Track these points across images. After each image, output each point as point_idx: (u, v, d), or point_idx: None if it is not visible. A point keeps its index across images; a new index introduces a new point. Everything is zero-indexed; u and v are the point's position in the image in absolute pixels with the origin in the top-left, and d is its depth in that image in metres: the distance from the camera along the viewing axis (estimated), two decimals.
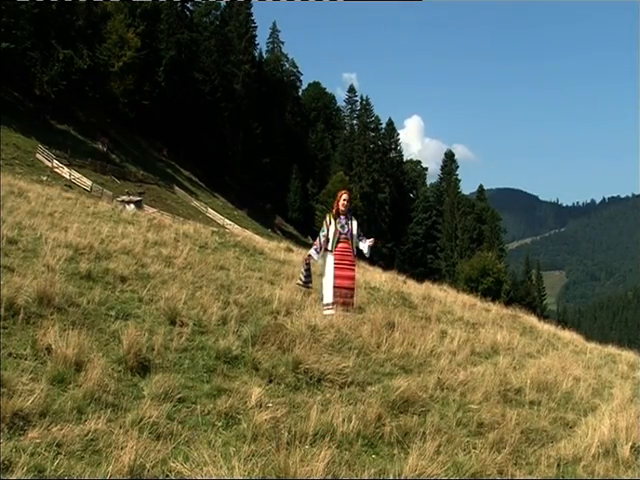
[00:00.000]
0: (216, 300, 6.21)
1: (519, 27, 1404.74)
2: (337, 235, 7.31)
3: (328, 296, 7.15)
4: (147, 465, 2.98)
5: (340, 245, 7.32)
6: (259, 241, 17.81)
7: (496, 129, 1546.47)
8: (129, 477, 2.91)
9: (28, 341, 4.22)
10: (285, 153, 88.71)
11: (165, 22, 74.77)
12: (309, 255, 7.45)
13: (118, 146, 62.52)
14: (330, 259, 7.26)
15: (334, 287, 7.14)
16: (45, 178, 40.60)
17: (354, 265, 7.50)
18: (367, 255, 7.74)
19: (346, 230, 7.38)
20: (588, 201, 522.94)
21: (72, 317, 4.81)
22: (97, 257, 7.47)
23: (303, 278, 7.53)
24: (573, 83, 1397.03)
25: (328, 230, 7.35)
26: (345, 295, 7.14)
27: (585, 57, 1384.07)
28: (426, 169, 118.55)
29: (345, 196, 7.55)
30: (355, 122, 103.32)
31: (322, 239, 7.34)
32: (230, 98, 79.96)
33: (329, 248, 7.28)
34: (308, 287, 7.55)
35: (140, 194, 49.87)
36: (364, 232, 7.85)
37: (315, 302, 7.28)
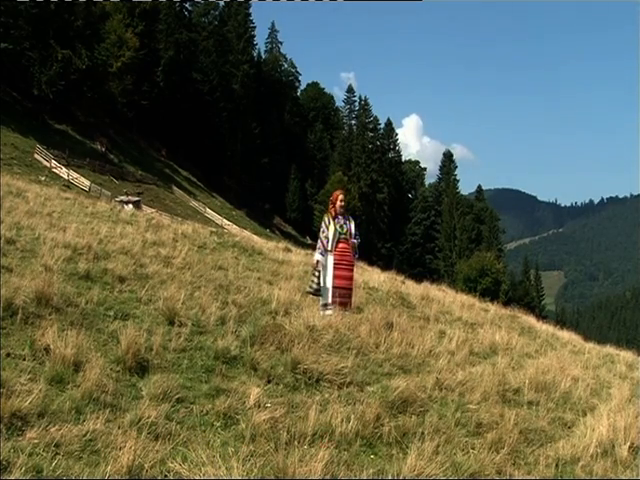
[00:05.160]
0: (215, 300, 6.21)
1: (519, 31, 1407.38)
2: (336, 235, 7.31)
3: (327, 296, 7.14)
4: (145, 465, 2.98)
5: (339, 245, 7.32)
6: (258, 241, 17.81)
7: (495, 129, 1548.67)
8: (127, 477, 2.91)
9: (26, 341, 4.21)
10: (284, 153, 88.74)
11: (164, 22, 74.74)
12: (317, 261, 7.32)
13: (116, 146, 62.46)
14: (330, 259, 7.25)
15: (333, 287, 7.13)
16: (43, 178, 40.54)
17: (353, 265, 7.51)
18: (356, 254, 7.63)
19: (345, 230, 7.39)
20: (586, 201, 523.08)
21: (70, 317, 4.80)
22: (95, 257, 7.46)
23: (315, 285, 7.23)
24: (573, 84, 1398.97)
25: (328, 230, 7.34)
26: (343, 295, 7.14)
27: (585, 58, 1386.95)
28: (425, 169, 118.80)
29: (342, 197, 7.56)
30: (354, 122, 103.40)
31: (324, 240, 7.33)
32: (229, 98, 79.95)
33: (329, 248, 7.28)
34: (318, 295, 7.29)
35: (139, 194, 49.84)
36: (362, 232, 7.85)
37: (314, 302, 7.28)
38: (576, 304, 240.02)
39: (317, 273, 7.29)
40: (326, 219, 7.47)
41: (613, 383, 6.77)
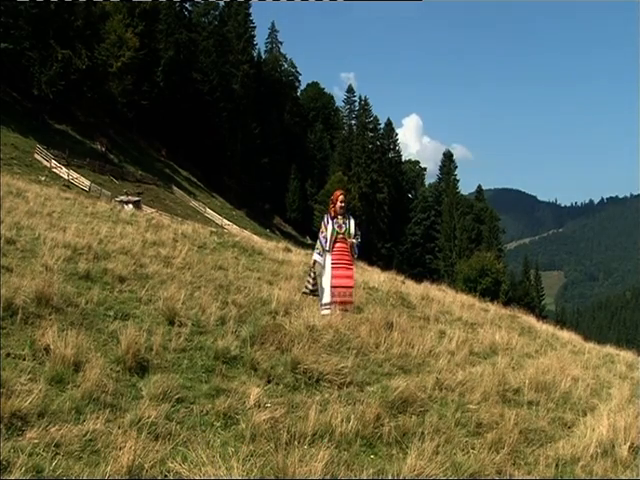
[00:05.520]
0: (215, 300, 6.21)
1: (519, 27, 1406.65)
2: (334, 235, 7.32)
3: (326, 296, 7.14)
4: (145, 465, 2.98)
5: (337, 245, 7.32)
6: (258, 241, 17.80)
7: (495, 129, 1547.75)
8: (127, 477, 2.90)
9: (26, 341, 4.21)
10: (284, 153, 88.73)
11: (164, 22, 74.71)
12: (315, 262, 7.35)
13: (116, 146, 62.46)
14: (328, 259, 7.26)
15: (332, 287, 7.13)
16: (43, 178, 40.54)
17: (352, 264, 7.49)
18: (355, 254, 7.62)
19: (344, 230, 7.38)
20: (586, 201, 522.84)
21: (70, 317, 4.80)
22: (95, 257, 7.46)
23: (310, 287, 7.35)
24: (572, 85, 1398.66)
25: (326, 231, 7.35)
26: (343, 294, 7.14)
27: (584, 58, 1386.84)
28: (425, 169, 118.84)
29: (342, 197, 7.55)
30: (354, 122, 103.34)
31: (322, 240, 7.34)
32: (229, 98, 79.94)
33: (327, 248, 7.29)
34: (315, 295, 7.38)
35: (139, 194, 49.83)
36: (363, 232, 7.83)
37: (314, 302, 7.28)
38: (576, 304, 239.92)
39: (312, 274, 7.34)
40: (325, 219, 7.48)
41: (613, 383, 6.77)
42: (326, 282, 7.18)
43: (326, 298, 7.13)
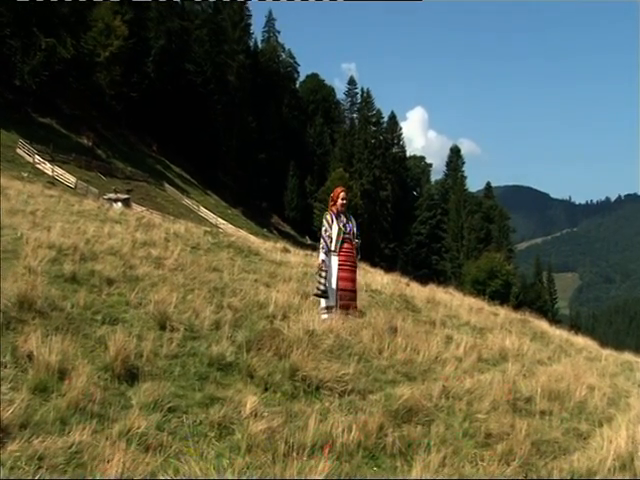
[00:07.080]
0: (209, 304, 6.22)
1: (531, 20, 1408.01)
2: (341, 235, 7.31)
3: (329, 299, 7.13)
4: (135, 478, 2.97)
5: (344, 246, 7.31)
6: (254, 241, 17.84)
7: (504, 122, 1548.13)
8: None
9: (8, 348, 4.20)
10: (282, 148, 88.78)
11: (154, 9, 74.69)
12: (322, 261, 7.26)
13: (104, 141, 62.46)
14: (334, 260, 7.23)
15: (338, 289, 7.12)
16: (26, 174, 40.53)
17: (356, 266, 7.52)
18: (358, 255, 7.64)
19: (348, 230, 7.39)
20: (602, 199, 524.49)
21: (55, 322, 4.80)
22: (82, 258, 7.46)
23: (322, 287, 7.16)
24: (586, 75, 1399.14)
25: (331, 230, 7.33)
26: (347, 297, 7.14)
27: (598, 49, 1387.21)
28: (430, 165, 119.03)
29: (343, 195, 7.55)
30: (355, 116, 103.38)
31: (327, 240, 7.30)
32: (224, 90, 79.97)
33: (333, 249, 7.26)
34: (327, 297, 7.22)
35: (128, 191, 49.71)
36: (365, 231, 7.86)
37: (313, 305, 7.29)
38: (591, 308, 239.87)
39: (323, 274, 7.21)
40: (328, 217, 7.45)
41: (632, 392, 6.78)
42: (331, 285, 7.16)
43: (327, 301, 7.12)
